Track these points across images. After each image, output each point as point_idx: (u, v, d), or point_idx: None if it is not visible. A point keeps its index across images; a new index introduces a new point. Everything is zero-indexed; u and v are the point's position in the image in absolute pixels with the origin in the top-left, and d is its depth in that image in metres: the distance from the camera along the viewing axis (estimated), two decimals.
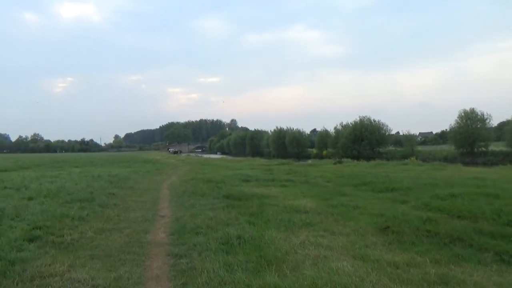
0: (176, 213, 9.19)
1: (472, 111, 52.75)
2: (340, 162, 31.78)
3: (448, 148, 60.20)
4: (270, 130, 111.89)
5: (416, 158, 39.10)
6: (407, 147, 63.21)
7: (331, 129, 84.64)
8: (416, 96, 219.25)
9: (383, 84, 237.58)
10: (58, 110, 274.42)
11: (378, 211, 8.66)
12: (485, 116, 51.89)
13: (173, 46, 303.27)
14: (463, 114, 53.34)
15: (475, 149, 52.22)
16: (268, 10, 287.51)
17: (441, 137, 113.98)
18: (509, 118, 61.24)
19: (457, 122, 54.11)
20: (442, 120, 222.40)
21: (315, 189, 13.93)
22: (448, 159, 50.25)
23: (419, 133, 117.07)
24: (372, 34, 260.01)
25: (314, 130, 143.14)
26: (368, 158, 50.94)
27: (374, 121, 68.36)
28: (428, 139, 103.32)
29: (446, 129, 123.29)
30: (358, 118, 69.85)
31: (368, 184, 14.57)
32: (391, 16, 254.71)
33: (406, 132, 67.14)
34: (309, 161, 58.75)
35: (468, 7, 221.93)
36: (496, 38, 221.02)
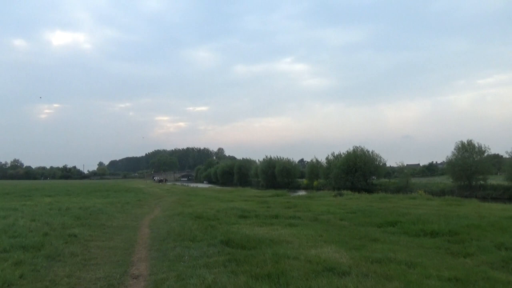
0: (156, 271, 6.37)
1: (470, 142, 51.38)
2: (340, 195, 29.25)
3: (443, 181, 58.53)
4: (259, 160, 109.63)
5: (425, 192, 36.82)
6: (402, 179, 61.25)
7: (320, 159, 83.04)
8: (399, 129, 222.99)
9: (368, 116, 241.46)
10: (42, 136, 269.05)
11: (448, 273, 6.03)
12: (483, 148, 50.49)
13: (162, 75, 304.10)
14: (460, 145, 51.87)
15: (473, 182, 50.41)
16: (257, 42, 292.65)
17: (429, 169, 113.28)
18: (496, 152, 60.76)
19: (454, 154, 52.55)
20: (424, 153, 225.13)
21: (332, 230, 11.24)
22: (445, 192, 48.23)
23: (406, 164, 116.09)
24: (358, 68, 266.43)
25: (301, 160, 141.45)
26: (362, 190, 48.68)
27: (368, 151, 66.68)
28: (415, 171, 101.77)
29: (433, 162, 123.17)
30: (351, 149, 68.13)
31: (395, 224, 11.97)
32: (377, 51, 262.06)
33: (400, 164, 65.36)
34: (301, 192, 56.11)
35: (450, 45, 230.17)
36: (476, 75, 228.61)
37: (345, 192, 32.16)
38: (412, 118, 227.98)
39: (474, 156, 50.11)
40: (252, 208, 18.30)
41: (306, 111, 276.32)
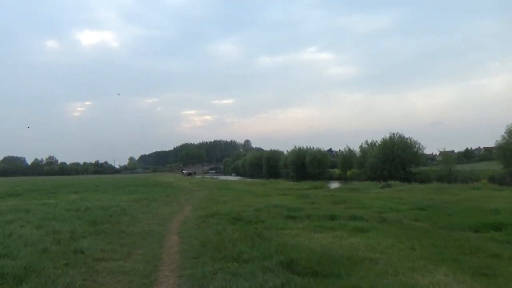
0: None
1: None
2: (388, 186, 26.19)
3: (487, 167, 53.84)
4: (287, 150, 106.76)
5: (488, 181, 33.04)
6: (444, 166, 56.88)
7: (352, 148, 79.20)
8: (428, 115, 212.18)
9: (394, 104, 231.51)
10: (76, 133, 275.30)
11: None
12: None
13: (188, 69, 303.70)
14: (511, 128, 47.08)
15: None
16: (281, 33, 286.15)
17: (465, 155, 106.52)
18: None
19: (504, 138, 47.78)
20: (455, 140, 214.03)
21: (419, 237, 8.47)
22: (494, 180, 43.89)
23: (439, 152, 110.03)
24: (384, 55, 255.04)
25: (329, 150, 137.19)
26: (401, 179, 45.11)
27: (406, 138, 62.46)
28: (451, 158, 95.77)
29: (470, 147, 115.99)
30: (387, 136, 64.02)
31: (499, 228, 9.05)
32: (403, 37, 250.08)
33: (441, 150, 60.67)
34: (335, 183, 53.00)
35: (481, 26, 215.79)
36: (509, 57, 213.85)
37: (392, 182, 29.02)
38: (442, 104, 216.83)
39: None
40: (296, 205, 15.68)
41: (331, 101, 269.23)
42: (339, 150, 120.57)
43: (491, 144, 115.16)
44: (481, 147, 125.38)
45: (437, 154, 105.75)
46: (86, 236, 8.93)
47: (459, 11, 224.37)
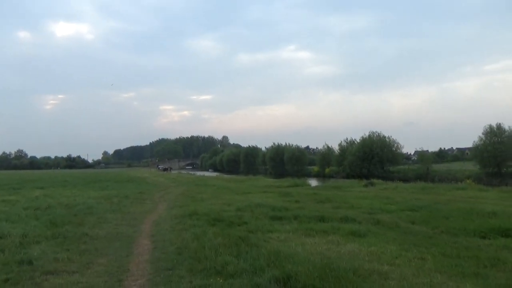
0: None
1: (499, 126, 47.22)
2: (372, 184, 25.54)
3: (467, 168, 54.60)
4: (265, 147, 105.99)
5: (473, 181, 32.95)
6: (422, 165, 57.33)
7: (328, 146, 79.09)
8: (403, 116, 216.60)
9: (371, 104, 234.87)
10: (47, 126, 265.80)
11: None
12: None
13: (166, 64, 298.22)
14: (488, 129, 47.72)
15: (503, 169, 46.46)
16: (260, 30, 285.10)
17: (439, 155, 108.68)
18: None
19: (481, 139, 48.43)
20: (427, 140, 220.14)
21: (422, 242, 7.59)
22: (472, 180, 44.39)
23: (415, 151, 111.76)
24: (363, 55, 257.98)
25: (307, 148, 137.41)
26: (379, 178, 45.00)
27: (385, 137, 62.64)
28: (429, 157, 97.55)
29: (443, 148, 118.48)
30: (366, 134, 64.09)
31: (508, 233, 8.24)
32: (382, 38, 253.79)
33: (419, 149, 61.11)
34: (313, 180, 52.43)
35: (456, 31, 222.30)
36: (483, 61, 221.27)
37: (375, 181, 28.43)
38: (417, 105, 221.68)
39: (505, 140, 46.01)
40: (279, 203, 14.64)
41: (309, 99, 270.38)
42: (316, 147, 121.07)
43: (463, 145, 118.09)
44: (454, 148, 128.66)
45: (412, 153, 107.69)
46: (39, 241, 7.57)
47: (436, 16, 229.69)
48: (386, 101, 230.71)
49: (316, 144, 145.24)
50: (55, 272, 5.55)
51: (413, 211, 12.75)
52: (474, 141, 49.68)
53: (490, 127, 47.88)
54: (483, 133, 48.28)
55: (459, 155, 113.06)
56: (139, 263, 6.27)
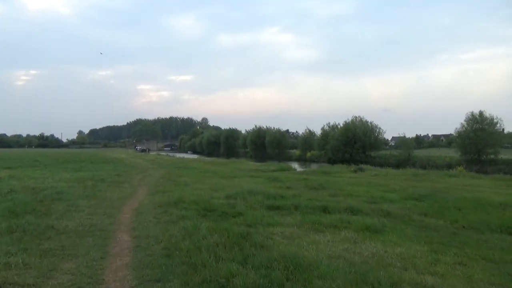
0: None
1: (481, 114, 47.36)
2: (361, 170, 24.72)
3: (441, 154, 55.07)
4: (246, 130, 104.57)
5: (464, 168, 32.54)
6: (404, 151, 57.35)
7: (310, 130, 78.48)
8: (381, 102, 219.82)
9: (350, 89, 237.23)
10: (19, 103, 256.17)
11: None
12: (495, 120, 46.60)
13: (145, 42, 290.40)
14: (470, 116, 47.85)
15: (483, 157, 46.85)
16: (242, 11, 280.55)
17: (416, 142, 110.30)
18: None
19: (463, 126, 48.59)
20: (403, 126, 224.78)
21: (450, 241, 6.57)
22: (452, 166, 44.60)
23: (392, 137, 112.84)
24: (344, 40, 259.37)
25: (286, 131, 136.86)
26: (361, 163, 44.66)
27: (367, 122, 62.34)
28: (410, 143, 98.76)
29: (419, 134, 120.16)
30: (349, 119, 63.62)
31: None
32: (363, 24, 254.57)
33: (401, 135, 61.08)
34: (295, 164, 51.54)
35: (434, 19, 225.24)
36: (459, 49, 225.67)
37: (364, 166, 27.66)
38: (394, 92, 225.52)
39: (486, 128, 46.27)
40: (271, 190, 13.44)
41: (290, 82, 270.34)
42: (296, 131, 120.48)
43: (438, 132, 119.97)
44: (429, 135, 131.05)
45: (389, 139, 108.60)
46: None
47: (416, 3, 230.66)
48: (365, 87, 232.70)
49: (295, 128, 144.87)
50: (2, 285, 4.16)
51: (417, 201, 11.83)
52: (456, 128, 49.87)
53: (472, 114, 48.03)
54: (465, 120, 48.42)
55: (435, 141, 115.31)
56: (117, 269, 4.94)
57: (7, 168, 25.18)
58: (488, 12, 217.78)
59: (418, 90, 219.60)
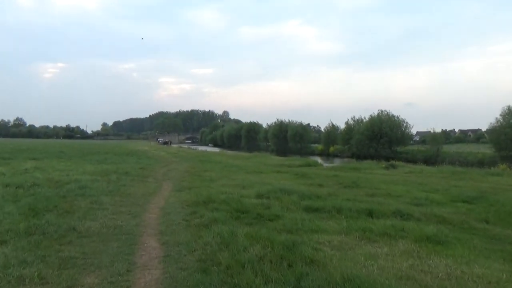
0: None
1: None
2: (393, 167, 23.48)
3: (480, 150, 52.58)
4: (268, 123, 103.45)
5: (487, 164, 30.64)
6: (432, 146, 55.16)
7: (335, 124, 76.61)
8: (403, 96, 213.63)
9: (373, 82, 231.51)
10: (47, 95, 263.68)
11: None
12: None
13: (167, 35, 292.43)
14: (506, 110, 45.34)
15: None
16: (265, 3, 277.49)
17: (445, 136, 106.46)
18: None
19: (499, 121, 46.13)
20: (427, 121, 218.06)
21: None
22: (484, 163, 42.43)
23: (416, 132, 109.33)
24: (367, 33, 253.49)
25: (307, 125, 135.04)
26: (387, 158, 43.09)
27: (393, 116, 60.26)
28: (440, 138, 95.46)
29: (445, 129, 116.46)
30: (375, 113, 61.64)
31: None
32: (387, 16, 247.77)
33: (432, 130, 58.57)
34: (317, 159, 50.25)
35: (462, 10, 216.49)
36: (488, 41, 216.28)
37: (396, 163, 26.34)
38: (418, 86, 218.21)
39: None
40: (303, 188, 12.60)
41: (311, 76, 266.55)
42: (318, 125, 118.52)
43: (464, 127, 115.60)
44: (456, 130, 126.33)
45: (414, 134, 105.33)
46: (6, 240, 5.49)
47: None
48: (388, 80, 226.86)
49: (317, 122, 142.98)
50: None
51: (468, 203, 10.72)
52: (490, 123, 47.38)
53: (509, 108, 45.47)
54: (500, 115, 45.96)
55: (462, 137, 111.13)
56: (146, 287, 4.18)
57: (33, 159, 25.13)
58: None
59: (443, 84, 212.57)
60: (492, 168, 25.42)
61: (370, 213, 8.29)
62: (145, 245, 5.83)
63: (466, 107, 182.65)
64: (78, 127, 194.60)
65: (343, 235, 6.49)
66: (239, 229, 6.17)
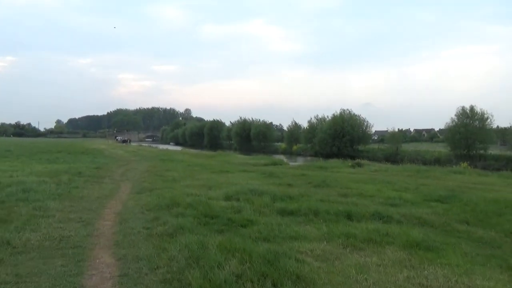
0: None
1: (472, 108, 46.91)
2: (359, 165, 23.40)
3: (435, 149, 54.65)
4: (231, 122, 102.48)
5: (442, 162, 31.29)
6: (392, 145, 56.67)
7: (296, 122, 77.00)
8: (362, 96, 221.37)
9: (333, 83, 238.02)
10: None
11: None
12: (486, 115, 46.20)
13: (128, 31, 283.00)
14: (461, 111, 47.34)
15: (472, 152, 46.47)
16: (228, 1, 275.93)
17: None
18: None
19: (453, 120, 48.07)
20: (383, 121, 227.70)
21: None
22: (440, 162, 44.06)
23: (374, 131, 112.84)
24: (328, 35, 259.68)
25: (270, 124, 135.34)
26: (349, 157, 43.68)
27: (355, 115, 61.39)
28: (399, 137, 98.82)
29: (401, 129, 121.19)
30: (337, 112, 62.45)
31: None
32: (348, 19, 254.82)
33: (392, 129, 60.11)
34: (280, 157, 50.06)
35: (417, 16, 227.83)
36: (440, 46, 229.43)
37: (362, 161, 26.37)
38: (376, 87, 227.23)
39: (477, 123, 45.90)
40: (273, 188, 11.91)
41: (274, 75, 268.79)
42: (280, 124, 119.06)
43: (419, 126, 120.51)
44: (411, 129, 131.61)
45: (372, 133, 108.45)
46: None
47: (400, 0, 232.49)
48: (347, 81, 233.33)
49: (278, 120, 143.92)
50: None
51: (441, 203, 10.48)
52: (446, 123, 49.26)
53: (463, 109, 47.52)
54: (455, 115, 47.92)
55: (417, 136, 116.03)
56: None
57: None
58: (469, 10, 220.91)
59: (399, 85, 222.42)
60: (454, 166, 26.01)
61: (349, 216, 7.73)
62: (97, 261, 4.86)
63: (420, 107, 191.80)
64: (29, 124, 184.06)
65: (325, 242, 5.83)
66: (210, 238, 5.34)
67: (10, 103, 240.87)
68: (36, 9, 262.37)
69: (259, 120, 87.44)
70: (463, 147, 46.40)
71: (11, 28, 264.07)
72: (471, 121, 46.32)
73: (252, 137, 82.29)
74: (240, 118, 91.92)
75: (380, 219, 7.65)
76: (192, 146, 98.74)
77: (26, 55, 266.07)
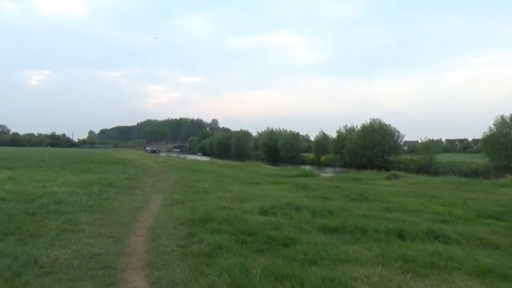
0: None
1: None
2: (395, 177, 22.33)
3: (471, 160, 52.10)
4: (258, 132, 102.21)
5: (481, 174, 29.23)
6: (425, 156, 54.46)
7: (324, 133, 75.67)
8: (389, 105, 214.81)
9: (360, 92, 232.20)
10: (32, 102, 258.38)
11: None
12: None
13: (156, 44, 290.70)
14: (500, 120, 45.03)
15: None
16: (253, 13, 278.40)
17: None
18: None
19: (492, 130, 45.74)
20: (412, 130, 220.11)
21: None
22: (478, 173, 41.81)
23: (405, 141, 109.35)
24: (354, 42, 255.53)
25: (297, 134, 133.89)
26: (380, 168, 42.25)
27: (385, 125, 59.63)
28: (434, 148, 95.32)
29: (432, 139, 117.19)
30: (367, 121, 60.92)
31: None
32: (374, 26, 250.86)
33: (425, 139, 57.87)
34: (307, 168, 49.11)
35: (447, 23, 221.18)
36: (471, 53, 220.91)
37: (398, 173, 25.21)
38: (403, 95, 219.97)
39: None
40: (310, 202, 11.24)
41: (299, 85, 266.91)
42: (306, 134, 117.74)
43: (450, 136, 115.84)
44: (442, 139, 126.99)
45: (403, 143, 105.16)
46: None
47: (430, 4, 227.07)
48: (374, 90, 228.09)
49: (305, 130, 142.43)
50: None
51: (496, 219, 9.52)
52: (484, 132, 47.03)
53: (502, 117, 45.24)
54: (494, 124, 45.64)
55: (449, 146, 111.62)
56: None
57: (10, 168, 23.29)
58: (502, 15, 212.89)
59: (428, 94, 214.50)
60: (499, 178, 24.40)
61: (400, 235, 6.99)
62: (129, 285, 4.39)
63: (451, 116, 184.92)
64: (63, 135, 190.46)
65: (380, 267, 5.14)
66: (252, 261, 4.77)
67: (46, 114, 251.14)
68: (70, 25, 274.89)
69: (286, 130, 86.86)
70: (503, 158, 44.04)
71: (48, 43, 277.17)
72: (511, 130, 43.95)
73: (280, 147, 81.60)
74: (267, 128, 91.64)
75: (436, 238, 6.88)
76: (219, 156, 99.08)
77: (61, 68, 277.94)
